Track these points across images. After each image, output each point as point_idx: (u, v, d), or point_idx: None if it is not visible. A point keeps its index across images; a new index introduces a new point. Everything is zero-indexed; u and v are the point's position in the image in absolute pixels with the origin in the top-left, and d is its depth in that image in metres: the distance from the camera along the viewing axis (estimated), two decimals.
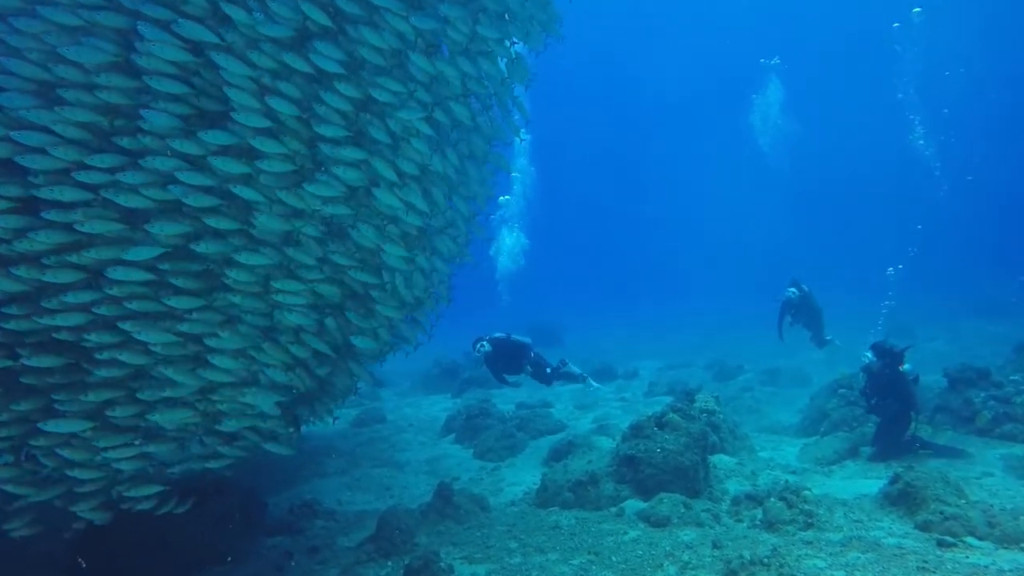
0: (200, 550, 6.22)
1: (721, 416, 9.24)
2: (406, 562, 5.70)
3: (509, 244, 27.43)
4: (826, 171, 56.92)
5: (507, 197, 27.35)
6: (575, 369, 11.10)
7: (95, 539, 5.79)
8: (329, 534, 7.21)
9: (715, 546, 5.73)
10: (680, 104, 63.20)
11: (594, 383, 11.19)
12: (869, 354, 8.72)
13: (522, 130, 7.51)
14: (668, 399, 11.42)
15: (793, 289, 13.37)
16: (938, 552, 5.30)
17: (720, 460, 8.34)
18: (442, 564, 5.62)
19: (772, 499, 6.40)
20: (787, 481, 7.16)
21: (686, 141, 63.80)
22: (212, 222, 4.98)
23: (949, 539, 5.50)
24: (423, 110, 5.70)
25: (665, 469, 7.19)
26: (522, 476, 9.00)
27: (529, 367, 10.52)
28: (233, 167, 4.95)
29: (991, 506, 5.95)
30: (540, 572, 5.65)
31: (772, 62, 36.73)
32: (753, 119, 38.61)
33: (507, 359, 10.49)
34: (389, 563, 6.13)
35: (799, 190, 56.00)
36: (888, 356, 8.58)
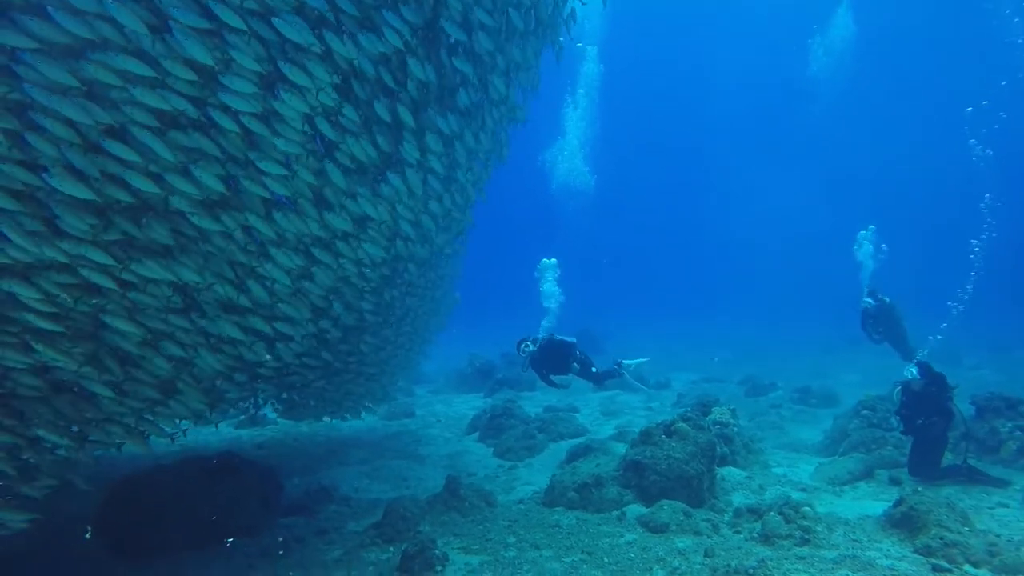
0: (216, 525, 6.55)
1: (735, 429, 9.20)
2: (404, 547, 5.95)
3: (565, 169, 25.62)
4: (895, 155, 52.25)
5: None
6: (632, 361, 10.97)
7: (120, 508, 6.19)
8: (340, 518, 7.51)
9: (707, 554, 5.80)
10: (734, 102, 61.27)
11: (640, 384, 10.91)
12: (913, 369, 8.42)
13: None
14: None
15: (869, 299, 13.05)
16: None
17: (729, 472, 8.35)
18: (437, 552, 5.84)
19: (772, 513, 6.41)
20: (790, 497, 7.14)
21: (741, 145, 62.24)
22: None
23: (945, 564, 5.45)
24: None
25: (669, 476, 7.26)
26: (537, 476, 9.15)
27: (576, 365, 10.37)
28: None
29: (997, 536, 5.85)
30: (531, 567, 5.82)
31: None
32: (812, 70, 34.43)
33: (553, 359, 10.34)
34: (391, 548, 6.39)
35: (859, 179, 52.36)
36: (931, 376, 8.31)
